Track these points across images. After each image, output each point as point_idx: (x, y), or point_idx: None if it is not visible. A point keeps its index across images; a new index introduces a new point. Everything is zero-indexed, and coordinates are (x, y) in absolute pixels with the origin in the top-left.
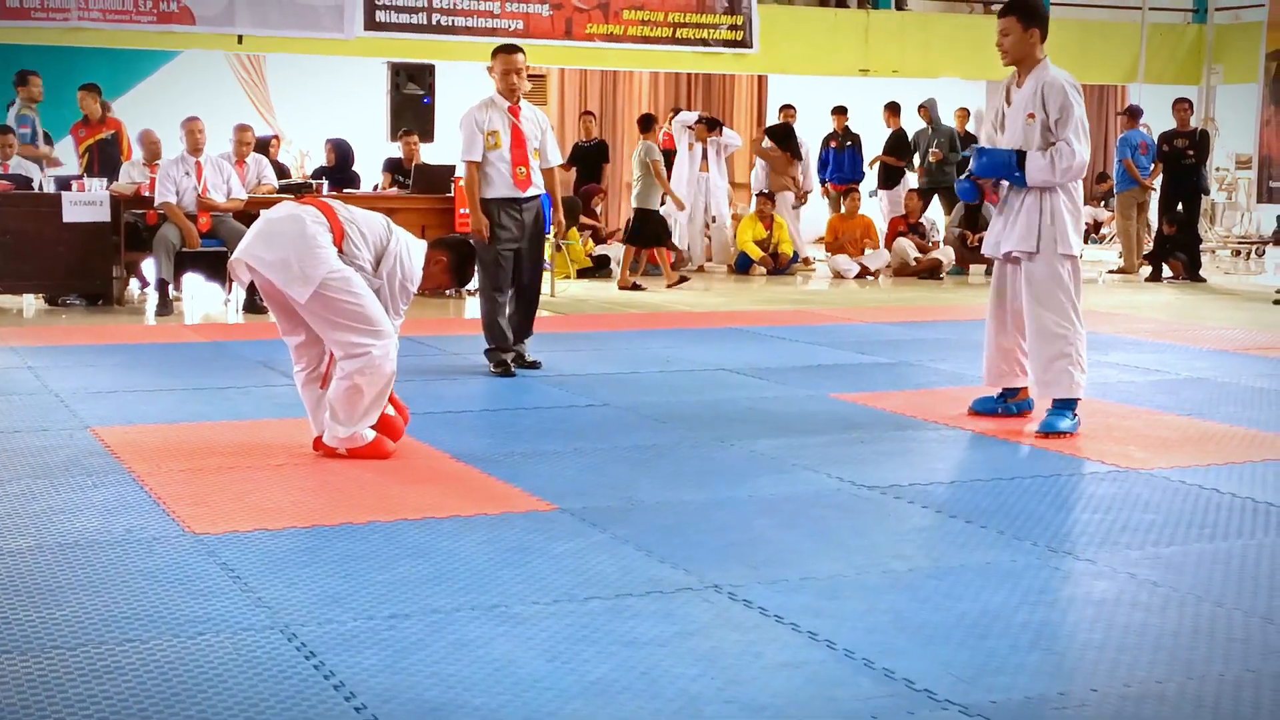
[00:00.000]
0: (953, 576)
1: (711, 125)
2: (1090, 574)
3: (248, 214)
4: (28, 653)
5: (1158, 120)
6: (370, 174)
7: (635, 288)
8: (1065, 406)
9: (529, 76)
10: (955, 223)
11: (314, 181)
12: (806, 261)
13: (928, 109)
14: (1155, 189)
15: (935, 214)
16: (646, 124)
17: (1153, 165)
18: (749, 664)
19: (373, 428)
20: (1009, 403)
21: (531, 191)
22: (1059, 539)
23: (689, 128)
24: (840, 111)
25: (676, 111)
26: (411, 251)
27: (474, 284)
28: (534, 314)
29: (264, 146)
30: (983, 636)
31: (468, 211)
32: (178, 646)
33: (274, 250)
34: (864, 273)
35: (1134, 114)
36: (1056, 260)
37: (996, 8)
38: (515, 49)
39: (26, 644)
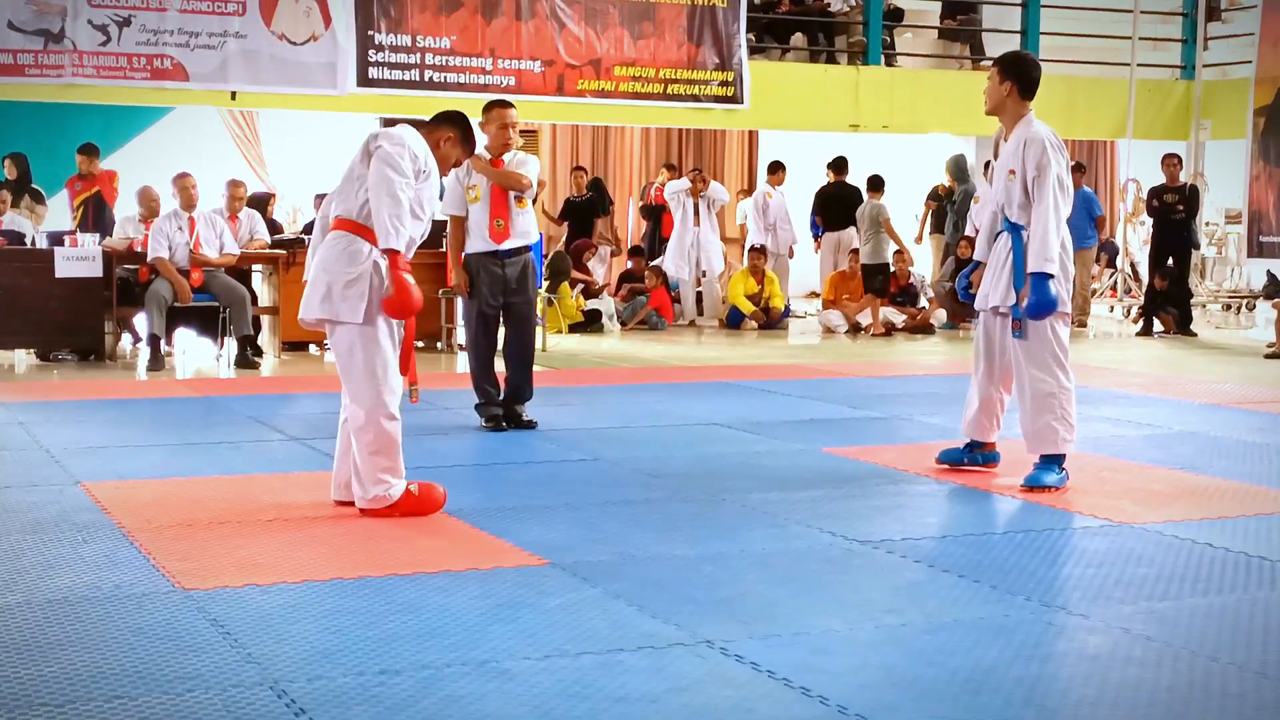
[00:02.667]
0: (945, 632)
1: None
2: (1083, 629)
3: (240, 269)
4: (15, 710)
5: (1147, 175)
6: None
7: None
8: (1052, 461)
9: (520, 131)
10: (945, 277)
11: (306, 237)
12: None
13: (954, 165)
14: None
15: (923, 266)
16: (876, 184)
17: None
18: None
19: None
20: (975, 453)
21: (509, 244)
22: (1052, 594)
23: (683, 192)
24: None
25: (670, 167)
26: (395, 135)
27: (464, 338)
28: (530, 375)
29: (262, 204)
30: (976, 692)
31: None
32: (167, 703)
33: (316, 288)
34: (855, 328)
35: (1082, 169)
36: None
37: (985, 64)
38: (509, 103)
39: (15, 701)
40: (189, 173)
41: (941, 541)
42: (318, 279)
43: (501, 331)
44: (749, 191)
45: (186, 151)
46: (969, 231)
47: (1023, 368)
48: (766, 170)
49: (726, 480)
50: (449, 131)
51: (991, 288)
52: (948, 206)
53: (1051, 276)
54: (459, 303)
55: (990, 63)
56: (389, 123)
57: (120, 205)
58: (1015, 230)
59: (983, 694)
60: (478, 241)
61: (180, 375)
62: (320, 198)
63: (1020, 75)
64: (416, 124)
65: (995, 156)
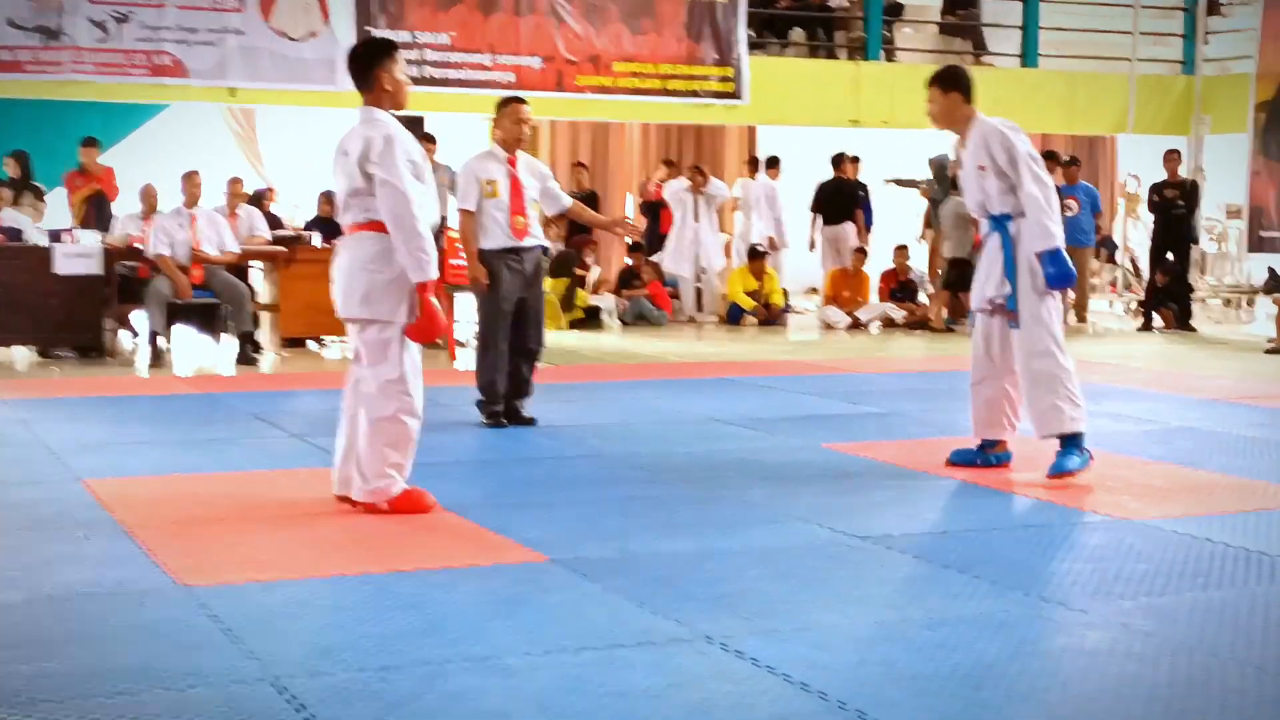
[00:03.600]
0: (946, 627)
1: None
2: (1083, 624)
3: (239, 266)
4: (17, 706)
5: (1148, 171)
6: None
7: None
8: (1071, 445)
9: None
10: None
11: (305, 234)
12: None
13: (936, 165)
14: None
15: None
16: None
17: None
18: (741, 716)
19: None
20: (988, 454)
21: (529, 241)
22: (1051, 589)
23: (683, 191)
24: (852, 160)
25: (669, 163)
26: (387, 159)
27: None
28: (533, 372)
29: (259, 199)
30: (976, 688)
31: (457, 263)
32: (168, 699)
33: (355, 287)
34: (855, 324)
35: (1076, 163)
36: (1035, 301)
37: (986, 59)
38: (524, 100)
39: (16, 697)
40: (197, 171)
41: (941, 537)
42: (355, 277)
43: None
44: (753, 171)
45: (185, 148)
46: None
47: (1020, 354)
48: (765, 164)
49: (727, 476)
50: (384, 63)
51: (985, 284)
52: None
53: (1059, 249)
54: (456, 299)
55: (933, 81)
56: None
57: (120, 202)
58: (1000, 223)
59: (983, 689)
60: (498, 237)
61: (180, 372)
62: (325, 194)
63: (961, 84)
64: (366, 89)
65: (961, 165)
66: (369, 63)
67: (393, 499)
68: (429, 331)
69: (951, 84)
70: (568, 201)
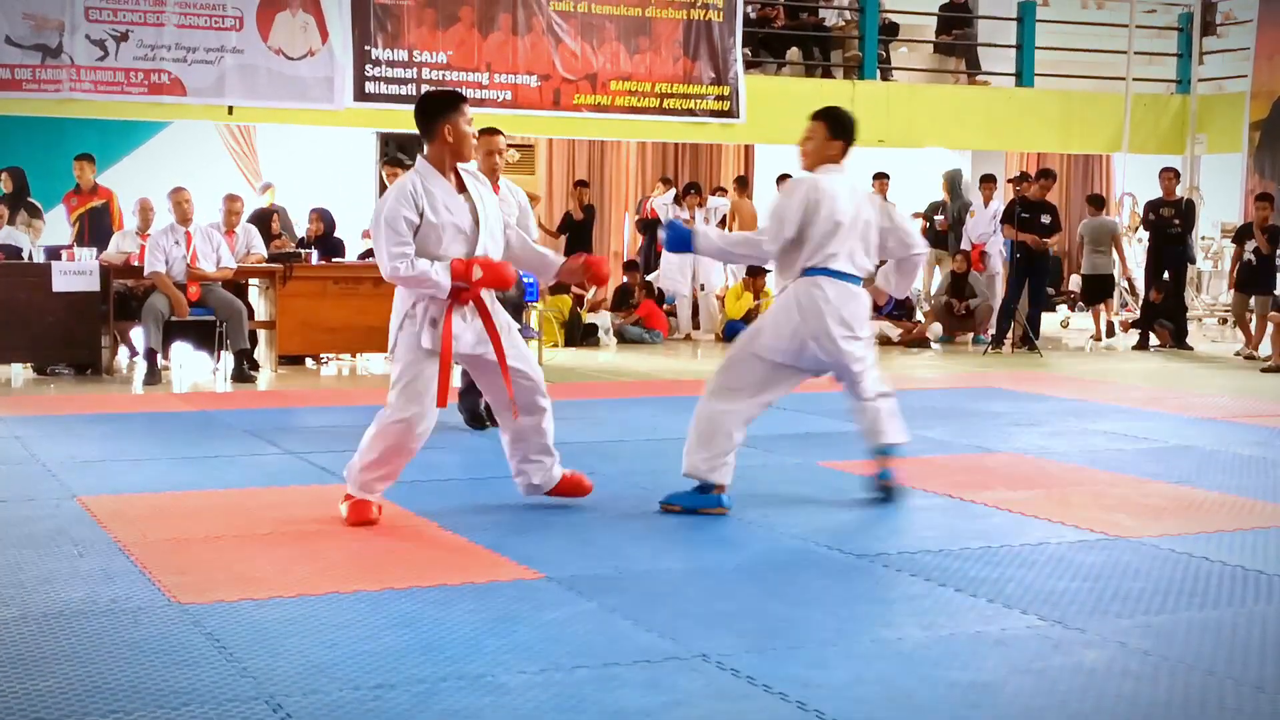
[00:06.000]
0: (942, 645)
1: (688, 191)
2: (1080, 643)
3: (236, 283)
4: None
5: (1143, 190)
6: (358, 243)
7: None
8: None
9: (517, 146)
10: (941, 291)
11: (303, 251)
12: None
13: (949, 180)
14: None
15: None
16: (1099, 202)
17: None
18: None
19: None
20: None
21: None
22: (1049, 607)
23: (672, 204)
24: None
25: (666, 181)
26: (379, 222)
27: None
28: None
29: (266, 218)
30: (973, 706)
31: None
32: (163, 717)
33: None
34: None
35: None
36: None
37: (981, 79)
38: (496, 131)
39: (10, 716)
40: (184, 187)
41: (938, 555)
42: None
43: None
44: (741, 190)
45: (183, 166)
46: (964, 245)
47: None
48: (777, 182)
49: None
50: (450, 115)
51: None
52: (939, 220)
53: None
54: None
55: (821, 117)
56: (385, 138)
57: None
58: None
59: (980, 708)
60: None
61: (177, 389)
62: (315, 211)
63: (849, 136)
64: (428, 140)
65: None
66: (435, 115)
67: (354, 503)
68: (501, 281)
69: (840, 131)
70: (528, 237)
